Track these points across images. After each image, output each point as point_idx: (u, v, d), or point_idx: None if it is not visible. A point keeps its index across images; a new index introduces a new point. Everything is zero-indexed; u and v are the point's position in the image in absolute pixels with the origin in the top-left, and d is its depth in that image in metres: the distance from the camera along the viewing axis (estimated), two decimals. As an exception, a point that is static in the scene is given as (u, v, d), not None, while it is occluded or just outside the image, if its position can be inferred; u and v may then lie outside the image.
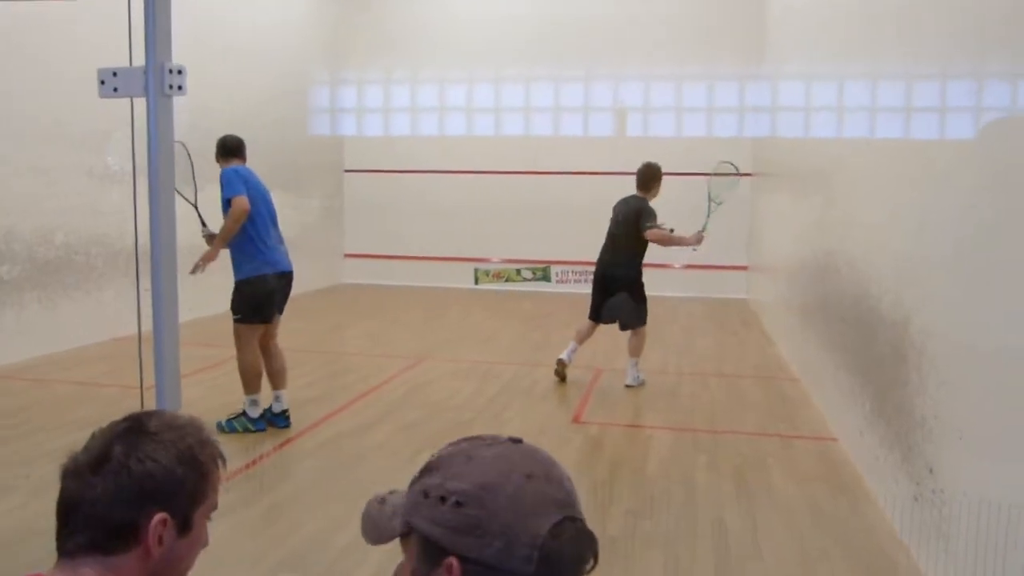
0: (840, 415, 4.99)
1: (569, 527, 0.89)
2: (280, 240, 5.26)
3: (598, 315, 6.39)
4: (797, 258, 7.05)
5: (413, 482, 0.97)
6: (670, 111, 11.67)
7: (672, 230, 6.33)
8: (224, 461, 1.28)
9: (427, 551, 0.90)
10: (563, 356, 6.36)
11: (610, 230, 6.48)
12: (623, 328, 6.35)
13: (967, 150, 3.13)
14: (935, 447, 3.15)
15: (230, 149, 5.23)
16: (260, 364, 5.11)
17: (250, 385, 5.05)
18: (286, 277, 5.24)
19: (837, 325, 5.19)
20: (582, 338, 6.43)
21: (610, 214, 6.54)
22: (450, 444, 0.98)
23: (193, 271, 4.83)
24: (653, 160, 6.63)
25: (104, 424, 1.24)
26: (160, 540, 1.18)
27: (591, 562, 0.91)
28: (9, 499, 3.85)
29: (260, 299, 5.03)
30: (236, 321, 5.03)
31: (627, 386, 6.27)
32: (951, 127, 3.43)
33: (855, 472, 4.38)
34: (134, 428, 1.21)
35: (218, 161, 5.18)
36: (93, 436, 1.22)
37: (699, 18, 11.35)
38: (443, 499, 0.89)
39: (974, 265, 2.89)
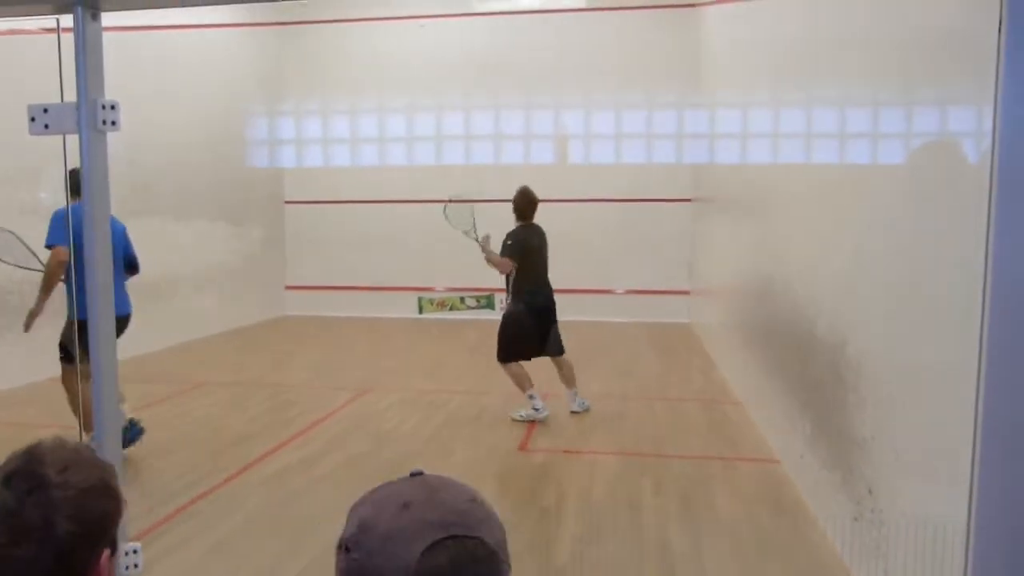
0: (782, 437, 5.09)
1: (446, 546, 0.84)
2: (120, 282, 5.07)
3: (542, 349, 6.33)
4: (737, 282, 7.21)
5: None
6: (610, 139, 11.88)
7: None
8: (111, 464, 1.25)
9: None
10: (543, 412, 6.10)
11: (542, 261, 6.46)
12: (559, 355, 6.37)
13: (898, 174, 3.26)
14: (873, 468, 3.24)
15: (73, 185, 4.98)
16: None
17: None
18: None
19: (777, 348, 5.31)
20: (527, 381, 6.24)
21: (544, 242, 6.50)
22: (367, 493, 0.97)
23: (26, 329, 4.79)
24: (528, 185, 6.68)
25: None
26: (107, 574, 1.15)
27: None
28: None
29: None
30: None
31: (574, 412, 6.29)
32: (883, 152, 3.56)
33: (797, 494, 4.47)
34: (39, 485, 1.10)
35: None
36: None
37: (637, 47, 11.60)
38: (342, 547, 0.89)
39: (908, 287, 3.00)
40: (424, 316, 12.32)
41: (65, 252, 4.72)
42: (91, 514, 1.12)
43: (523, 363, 6.28)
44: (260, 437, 5.62)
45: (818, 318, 4.21)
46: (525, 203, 6.42)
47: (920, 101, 3.10)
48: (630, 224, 11.82)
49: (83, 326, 4.71)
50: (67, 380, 4.90)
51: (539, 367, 6.49)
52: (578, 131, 11.95)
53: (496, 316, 12.57)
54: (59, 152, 1.79)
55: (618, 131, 11.86)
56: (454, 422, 6.11)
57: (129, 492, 1.90)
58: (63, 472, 1.12)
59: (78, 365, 4.80)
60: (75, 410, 4.85)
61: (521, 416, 6.13)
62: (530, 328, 6.35)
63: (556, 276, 12.30)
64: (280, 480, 4.79)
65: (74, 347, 4.79)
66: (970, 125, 2.62)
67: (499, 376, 7.04)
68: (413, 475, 0.93)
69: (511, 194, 11.71)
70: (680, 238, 11.60)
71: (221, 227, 10.92)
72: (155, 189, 8.90)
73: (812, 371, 4.29)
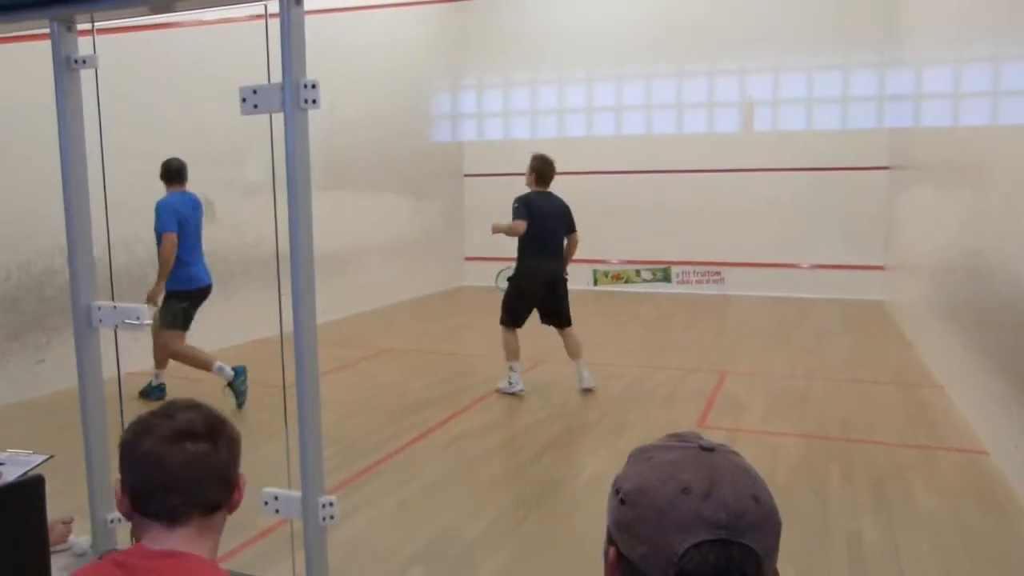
0: (991, 426, 4.63)
1: (712, 551, 0.83)
2: (200, 255, 5.73)
3: (547, 319, 6.17)
4: (942, 257, 6.61)
5: None
6: (801, 103, 11.22)
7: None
8: None
9: (607, 534, 0.94)
10: (517, 386, 6.00)
11: (549, 231, 6.07)
12: (566, 326, 6.11)
13: None
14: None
15: (171, 175, 5.64)
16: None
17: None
18: (206, 290, 5.75)
19: (989, 329, 4.83)
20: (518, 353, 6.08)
21: (558, 211, 6.11)
22: (661, 439, 0.99)
23: (150, 304, 5.44)
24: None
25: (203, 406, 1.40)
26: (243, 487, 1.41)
27: None
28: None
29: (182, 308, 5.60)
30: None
31: (587, 390, 6.02)
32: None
33: (1009, 488, 4.06)
34: (234, 438, 1.39)
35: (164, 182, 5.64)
36: (185, 417, 1.34)
37: (831, 2, 10.86)
38: (616, 492, 0.92)
39: None
40: (599, 288, 12.33)
41: (175, 237, 5.43)
42: (236, 434, 1.41)
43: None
44: (441, 402, 5.86)
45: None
46: (547, 167, 6.09)
47: None
48: (820, 194, 11.15)
49: (183, 295, 5.47)
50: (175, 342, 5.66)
51: (731, 348, 6.28)
52: (765, 96, 11.36)
53: (673, 289, 12.37)
54: (264, 132, 1.91)
55: (809, 95, 11.17)
56: (628, 396, 6.06)
57: (326, 449, 2.03)
58: (210, 420, 1.37)
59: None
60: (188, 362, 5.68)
61: (503, 388, 6.02)
62: (528, 296, 6.08)
63: (740, 248, 11.88)
64: (461, 444, 4.97)
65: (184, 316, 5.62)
66: None
67: (674, 350, 6.92)
68: (704, 448, 0.92)
69: (691, 165, 11.34)
70: (875, 209, 10.81)
71: (404, 201, 11.42)
72: (344, 165, 9.44)
73: (1032, 356, 3.86)
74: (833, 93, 11.04)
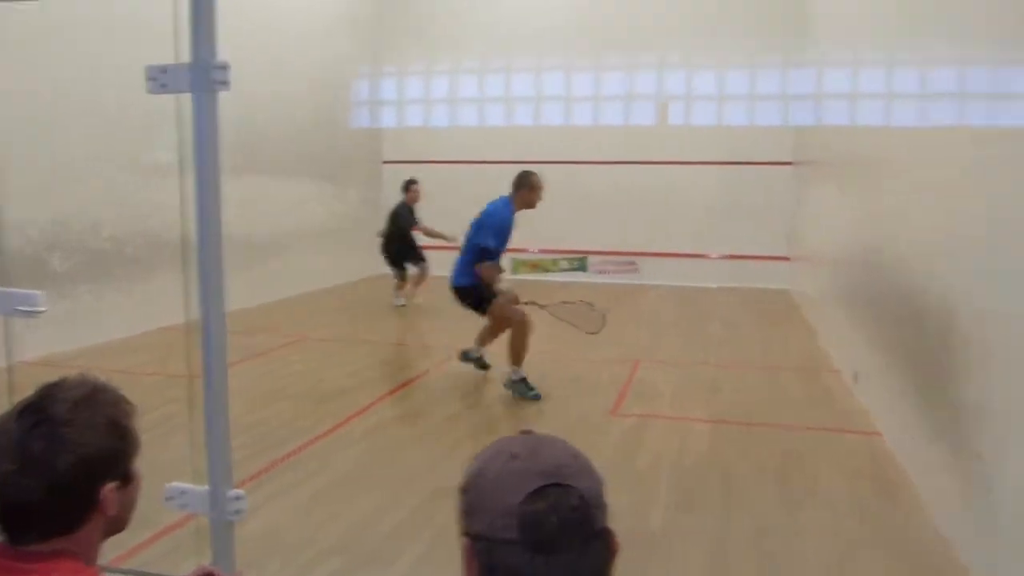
0: (885, 409, 4.89)
1: (550, 492, 0.95)
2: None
3: None
4: (842, 249, 6.92)
5: None
6: (712, 100, 11.51)
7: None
8: (130, 403, 1.30)
9: (461, 536, 1.03)
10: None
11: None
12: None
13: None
14: (986, 441, 3.07)
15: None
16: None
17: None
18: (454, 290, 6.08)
19: (883, 317, 5.08)
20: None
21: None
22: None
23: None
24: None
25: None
26: (112, 504, 1.22)
27: (591, 526, 0.96)
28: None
29: None
30: None
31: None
32: (1007, 113, 3.31)
33: (900, 467, 4.30)
34: (44, 420, 1.17)
35: None
36: None
37: (741, 4, 11.17)
38: (459, 492, 1.03)
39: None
40: (518, 277, 12.38)
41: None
42: (93, 450, 1.18)
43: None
44: (358, 391, 5.79)
45: (930, 286, 3.99)
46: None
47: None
48: (730, 187, 11.51)
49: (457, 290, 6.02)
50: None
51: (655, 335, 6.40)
52: (678, 92, 11.62)
53: (589, 279, 12.48)
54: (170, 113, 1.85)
55: (720, 92, 11.47)
56: (546, 384, 6.11)
57: (235, 440, 1.99)
58: (73, 409, 1.19)
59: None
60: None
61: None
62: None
63: (654, 239, 12.10)
64: (379, 433, 4.93)
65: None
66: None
67: (592, 342, 6.99)
68: (523, 432, 1.06)
69: (609, 156, 11.55)
70: (780, 203, 11.23)
71: (323, 186, 11.22)
72: (260, 149, 9.19)
73: (921, 341, 4.08)
74: (742, 91, 11.36)
